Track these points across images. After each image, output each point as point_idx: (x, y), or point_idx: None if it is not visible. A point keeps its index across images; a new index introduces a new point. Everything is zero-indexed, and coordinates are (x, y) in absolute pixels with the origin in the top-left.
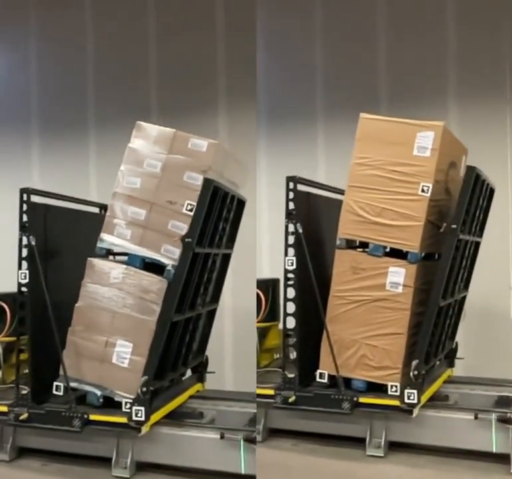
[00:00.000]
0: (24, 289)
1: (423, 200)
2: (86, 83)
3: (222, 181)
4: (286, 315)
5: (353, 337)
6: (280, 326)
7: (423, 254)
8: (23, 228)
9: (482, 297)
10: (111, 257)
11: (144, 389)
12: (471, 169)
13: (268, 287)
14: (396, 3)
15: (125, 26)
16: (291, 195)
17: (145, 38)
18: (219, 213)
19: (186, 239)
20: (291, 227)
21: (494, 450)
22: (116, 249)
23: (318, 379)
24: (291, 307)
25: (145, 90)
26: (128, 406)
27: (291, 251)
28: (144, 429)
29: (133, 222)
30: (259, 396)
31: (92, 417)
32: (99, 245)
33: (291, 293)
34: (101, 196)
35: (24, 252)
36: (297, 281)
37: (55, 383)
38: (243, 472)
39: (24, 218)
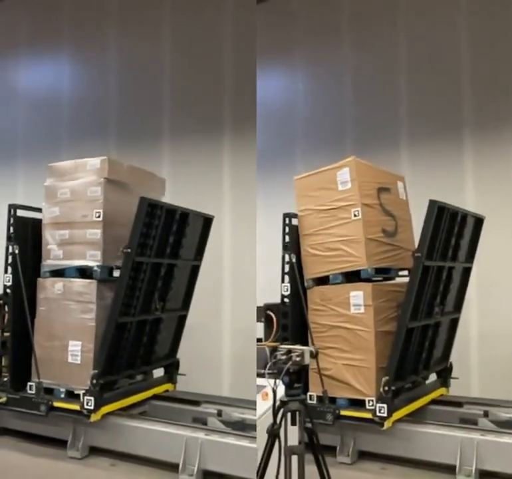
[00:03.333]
0: (8, 290)
1: (358, 222)
2: (162, 93)
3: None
4: (284, 334)
5: (331, 360)
6: None
7: (375, 273)
8: (9, 239)
9: None
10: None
11: (94, 381)
12: (431, 203)
13: (279, 309)
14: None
15: (200, 36)
16: (287, 229)
17: (221, 49)
18: (164, 227)
19: (125, 250)
20: (287, 257)
21: None
22: (55, 269)
23: (308, 401)
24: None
25: (218, 101)
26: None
27: (287, 278)
28: (93, 417)
29: (62, 242)
30: None
31: (55, 404)
32: (42, 270)
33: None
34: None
35: (10, 259)
36: (291, 305)
37: (29, 383)
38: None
39: (11, 230)
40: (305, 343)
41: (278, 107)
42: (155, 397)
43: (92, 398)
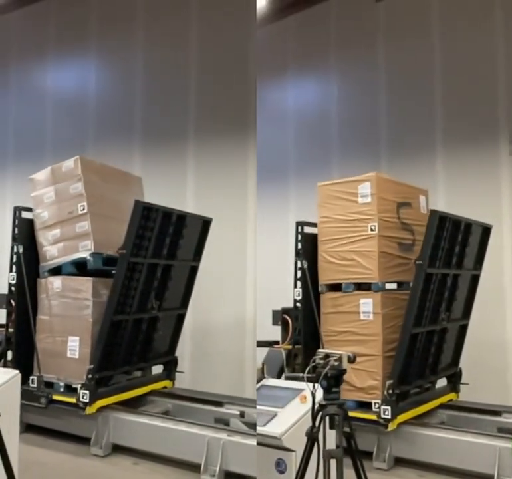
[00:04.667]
0: (13, 288)
1: (374, 237)
2: (188, 94)
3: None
4: (296, 337)
5: None
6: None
7: (386, 283)
8: (14, 239)
9: None
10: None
11: (90, 376)
12: (433, 213)
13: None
14: None
15: (225, 38)
16: (299, 237)
17: (246, 51)
18: (160, 229)
19: (120, 251)
20: (299, 264)
21: None
22: (52, 267)
23: None
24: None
25: (244, 102)
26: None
27: (299, 283)
28: (89, 409)
29: (55, 241)
30: None
31: (55, 397)
32: (41, 271)
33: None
34: (198, 206)
35: (15, 258)
36: (302, 309)
37: (31, 377)
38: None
39: (16, 231)
40: (316, 347)
41: (314, 113)
42: (178, 397)
43: (87, 392)
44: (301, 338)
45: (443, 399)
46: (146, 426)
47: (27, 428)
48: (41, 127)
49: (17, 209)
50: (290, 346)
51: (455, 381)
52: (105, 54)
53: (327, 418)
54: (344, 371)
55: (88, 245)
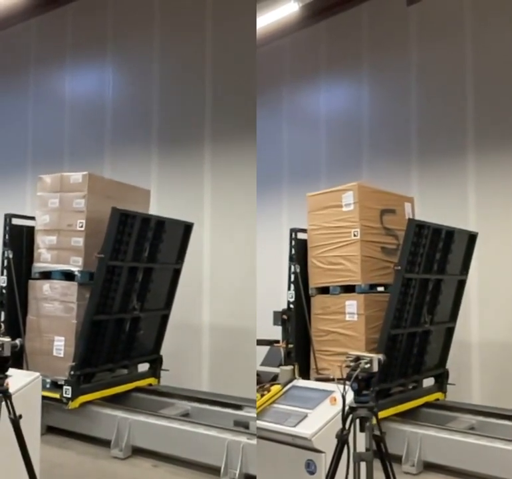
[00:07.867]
0: (4, 291)
1: (357, 242)
2: (204, 100)
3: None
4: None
5: (330, 361)
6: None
7: (372, 286)
8: (5, 244)
9: None
10: None
11: (72, 373)
12: (410, 222)
13: None
14: None
15: (241, 45)
16: (292, 242)
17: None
18: (139, 234)
19: (98, 255)
20: (292, 268)
21: None
22: (44, 270)
23: None
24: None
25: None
26: None
27: (292, 286)
28: (71, 404)
29: (50, 247)
30: None
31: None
32: (33, 271)
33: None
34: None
35: (5, 263)
36: (295, 311)
37: None
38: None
39: (6, 237)
40: (307, 346)
41: (345, 117)
42: (197, 400)
43: (69, 388)
44: (293, 337)
45: (429, 398)
46: (166, 428)
47: (47, 429)
48: (59, 132)
49: (8, 217)
50: (281, 345)
51: (441, 381)
52: (122, 60)
53: (357, 421)
54: (375, 374)
55: (78, 261)
